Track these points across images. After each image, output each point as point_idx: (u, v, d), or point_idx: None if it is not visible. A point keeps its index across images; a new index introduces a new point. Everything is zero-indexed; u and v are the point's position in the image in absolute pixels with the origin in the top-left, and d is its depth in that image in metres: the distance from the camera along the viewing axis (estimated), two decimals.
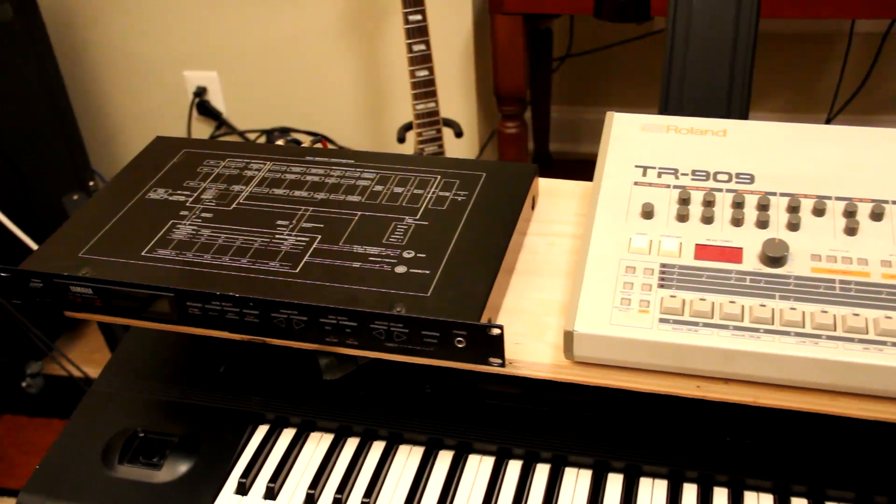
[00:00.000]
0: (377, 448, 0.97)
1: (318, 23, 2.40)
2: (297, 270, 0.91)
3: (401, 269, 0.90)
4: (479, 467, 0.95)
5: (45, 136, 2.38)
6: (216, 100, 2.57)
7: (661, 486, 0.91)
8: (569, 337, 0.81)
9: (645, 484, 0.91)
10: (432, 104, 1.98)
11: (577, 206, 1.06)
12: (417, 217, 0.97)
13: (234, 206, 1.01)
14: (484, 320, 0.84)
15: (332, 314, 0.86)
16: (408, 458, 0.96)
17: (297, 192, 1.02)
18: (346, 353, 0.90)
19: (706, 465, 0.90)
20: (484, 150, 2.53)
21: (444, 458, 0.95)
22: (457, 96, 2.41)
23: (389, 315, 0.84)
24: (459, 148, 2.47)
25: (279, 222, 0.98)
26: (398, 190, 1.02)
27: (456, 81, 2.39)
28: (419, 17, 1.90)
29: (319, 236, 0.95)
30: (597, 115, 2.88)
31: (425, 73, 1.95)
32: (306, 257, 0.92)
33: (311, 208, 1.00)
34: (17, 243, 2.07)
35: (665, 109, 1.07)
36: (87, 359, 2.37)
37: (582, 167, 1.96)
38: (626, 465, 0.92)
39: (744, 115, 1.05)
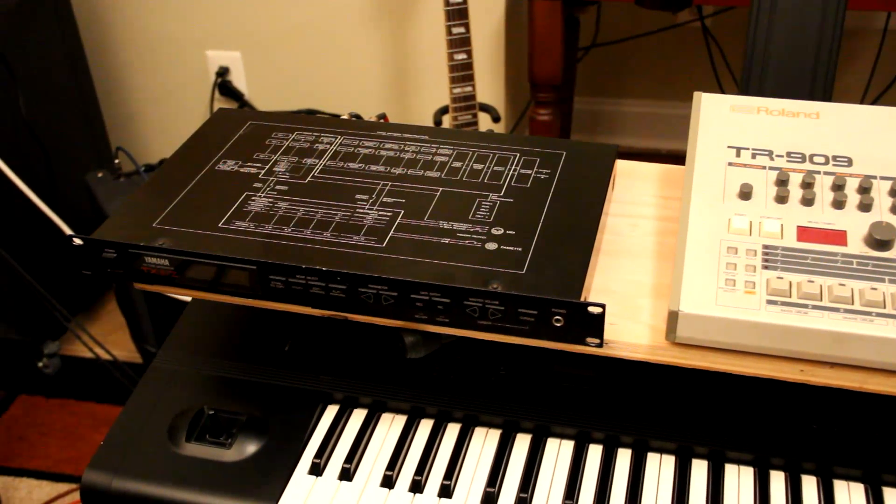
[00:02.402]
0: (452, 430, 0.95)
1: (344, 4, 2.37)
2: (383, 245, 0.88)
3: (491, 246, 0.88)
4: (559, 451, 0.93)
5: (68, 113, 2.34)
6: (238, 80, 2.54)
7: (748, 472, 0.89)
8: (673, 317, 0.79)
9: (731, 470, 0.89)
10: (469, 88, 1.96)
11: (656, 188, 1.04)
12: (501, 194, 0.95)
13: (309, 178, 0.99)
14: (582, 299, 0.82)
15: (425, 290, 0.83)
16: (485, 441, 0.94)
17: (373, 167, 1.00)
18: (432, 330, 0.87)
19: (793, 453, 0.89)
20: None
21: (523, 441, 0.93)
22: (487, 81, 2.38)
23: (486, 292, 0.82)
24: None
25: (358, 196, 0.95)
26: (478, 167, 0.99)
27: (486, 66, 2.37)
28: None
29: (403, 211, 0.93)
30: (616, 108, 2.87)
31: (464, 56, 1.93)
32: (392, 232, 0.90)
33: (389, 183, 0.97)
34: (44, 220, 2.04)
35: (746, 90, 1.05)
36: (105, 339, 2.33)
37: None
38: (710, 451, 0.90)
39: (827, 98, 1.04)
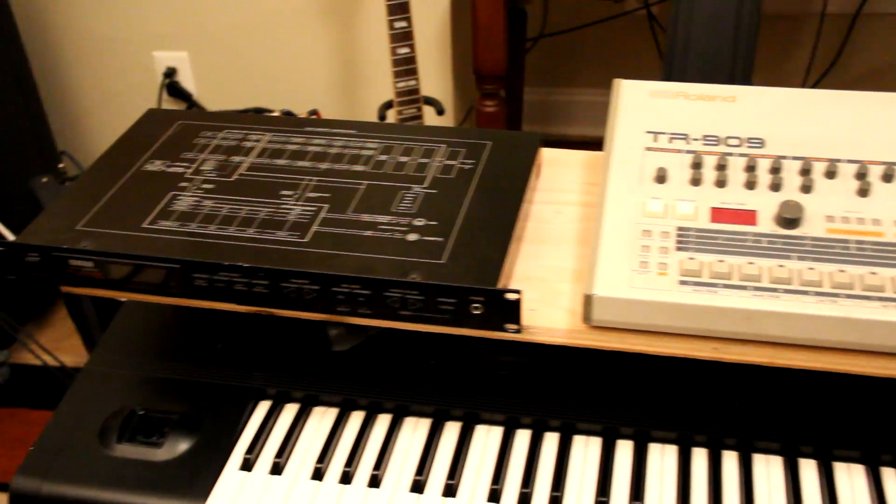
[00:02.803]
0: (383, 421, 0.96)
1: (291, 1, 2.37)
2: (306, 240, 0.89)
3: (413, 237, 0.88)
4: (487, 437, 0.94)
5: (10, 118, 2.32)
6: (186, 81, 2.53)
7: (672, 451, 0.90)
8: (588, 301, 0.81)
9: (655, 449, 0.91)
10: (413, 82, 1.96)
11: (580, 175, 1.05)
12: (425, 185, 0.96)
13: (235, 176, 0.99)
14: (499, 287, 0.83)
15: (346, 283, 0.84)
16: (415, 431, 0.95)
17: (299, 163, 1.01)
18: (357, 322, 0.88)
19: (715, 430, 0.90)
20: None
21: (452, 429, 0.94)
22: (434, 74, 2.39)
23: (405, 282, 0.83)
24: None
25: (283, 192, 0.96)
26: (403, 159, 1.00)
27: (433, 59, 2.37)
28: None
29: (327, 205, 0.94)
30: (567, 97, 2.88)
31: (406, 50, 1.93)
32: (315, 226, 0.91)
33: (315, 178, 0.98)
34: None
35: (669, 76, 1.07)
36: (56, 346, 2.32)
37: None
38: (636, 431, 0.92)
39: (747, 82, 1.05)
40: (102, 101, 2.65)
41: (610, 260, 0.82)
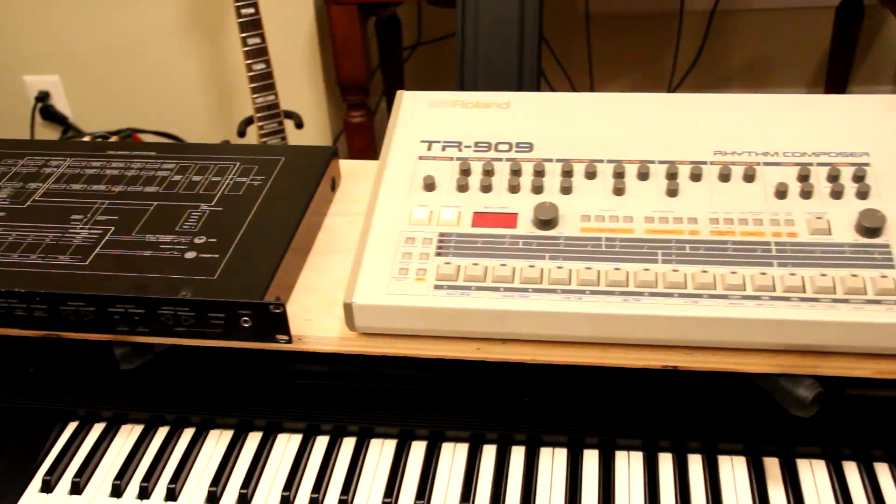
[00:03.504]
0: (187, 435, 0.98)
1: (159, 20, 2.37)
2: (86, 263, 0.91)
3: (190, 255, 0.91)
4: (287, 445, 0.96)
5: None
6: (61, 104, 2.52)
7: (462, 449, 0.94)
8: (348, 309, 0.84)
9: (447, 448, 0.94)
10: (272, 97, 1.99)
11: None
12: (213, 204, 0.98)
13: (28, 203, 1.00)
14: (272, 299, 0.86)
15: (120, 303, 0.86)
16: (217, 442, 0.97)
17: (94, 187, 1.02)
18: (140, 341, 0.90)
19: (504, 426, 0.94)
20: (337, 140, 2.54)
21: (253, 439, 0.97)
22: (304, 88, 2.41)
23: (175, 300, 0.85)
24: (311, 140, 2.48)
25: (74, 217, 0.97)
26: (196, 179, 1.02)
27: (301, 73, 2.39)
28: (251, 10, 1.90)
29: (113, 228, 0.95)
30: None
31: (262, 66, 1.95)
32: (98, 249, 0.92)
33: (107, 201, 1.00)
34: None
35: (462, 86, 1.10)
36: None
37: None
38: (431, 433, 0.95)
39: (535, 87, 1.09)
40: None
41: (372, 268, 0.85)
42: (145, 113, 2.51)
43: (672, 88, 2.64)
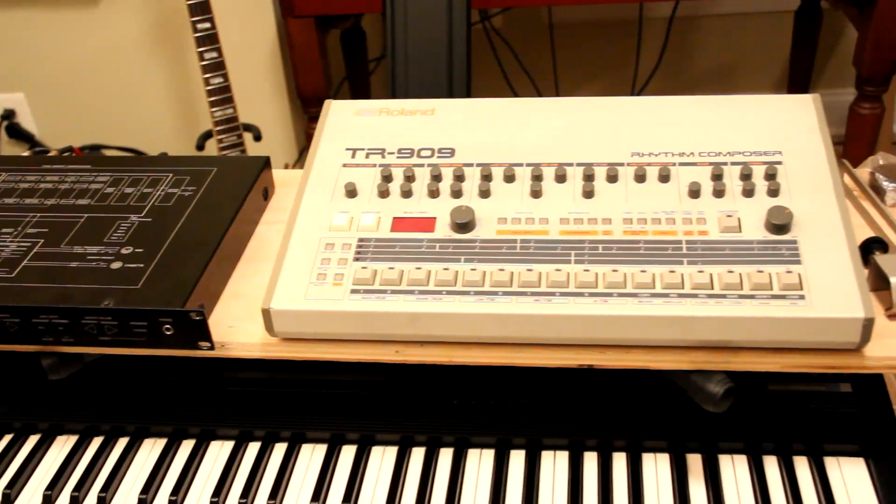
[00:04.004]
0: (121, 444, 0.99)
1: (122, 37, 2.39)
2: (13, 275, 0.92)
3: (116, 265, 0.92)
4: (219, 451, 0.97)
5: None
6: (27, 122, 2.53)
7: (392, 451, 0.95)
8: (267, 315, 0.85)
9: (376, 451, 0.95)
10: (230, 110, 2.00)
11: None
12: (142, 215, 0.99)
13: None
14: (195, 306, 0.87)
15: (44, 313, 0.87)
16: (150, 450, 0.98)
17: (27, 200, 1.03)
18: (66, 351, 0.91)
19: (434, 429, 0.95)
20: (303, 153, 2.55)
21: (186, 447, 0.98)
22: (268, 101, 2.43)
23: (98, 309, 0.86)
24: (275, 152, 2.49)
25: (4, 230, 0.99)
26: (129, 190, 1.03)
27: (265, 86, 2.41)
28: (208, 24, 1.92)
29: (42, 240, 0.96)
30: None
31: (220, 80, 1.97)
32: (25, 261, 0.93)
33: (38, 214, 1.01)
34: None
35: (394, 95, 1.12)
36: None
37: None
38: (361, 436, 0.96)
39: (466, 94, 1.11)
40: None
41: (291, 274, 0.87)
42: (111, 128, 2.53)
43: (635, 94, 2.67)
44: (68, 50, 2.42)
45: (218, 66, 1.95)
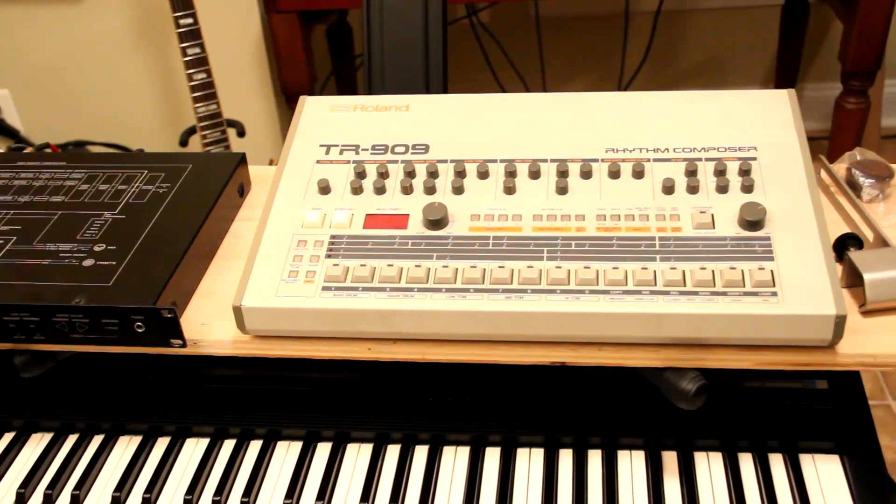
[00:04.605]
0: (96, 441, 0.98)
1: (107, 32, 2.38)
2: None
3: (88, 263, 0.91)
4: (194, 449, 0.97)
5: None
6: (11, 118, 2.52)
7: (367, 449, 0.95)
8: (238, 312, 0.84)
9: (351, 449, 0.95)
10: (214, 106, 2.00)
11: None
12: (116, 212, 0.99)
13: None
14: (167, 304, 0.87)
15: (15, 311, 0.87)
16: (126, 448, 0.98)
17: (0, 198, 1.03)
18: (39, 349, 0.91)
19: (409, 426, 0.95)
20: None
21: (161, 444, 0.97)
22: (253, 97, 2.42)
23: (69, 307, 0.86)
24: (261, 148, 2.49)
25: None
26: (103, 187, 1.03)
27: (250, 82, 2.40)
28: (190, 20, 1.91)
29: (15, 238, 0.96)
30: None
31: (203, 75, 1.96)
32: None
33: (12, 211, 1.00)
34: None
35: (370, 90, 1.12)
36: None
37: None
38: (337, 433, 0.96)
39: (442, 90, 1.10)
40: None
41: (263, 271, 0.86)
42: (96, 124, 2.52)
43: (622, 89, 2.66)
44: (53, 46, 2.41)
45: (201, 62, 1.95)
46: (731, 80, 2.82)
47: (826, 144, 2.34)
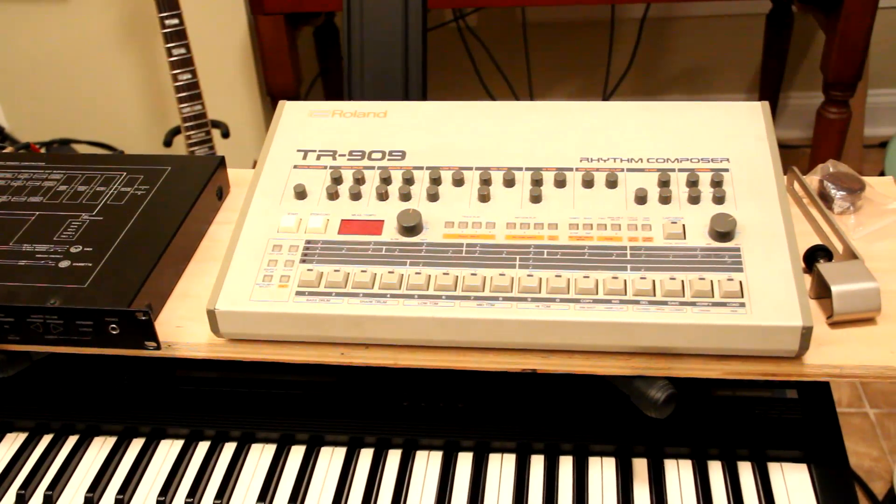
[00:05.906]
0: (71, 442, 0.99)
1: (93, 31, 2.38)
2: None
3: (64, 264, 0.92)
4: (168, 450, 0.97)
5: None
6: None
7: (340, 453, 0.95)
8: (212, 315, 0.85)
9: (325, 452, 0.96)
10: (198, 107, 2.00)
11: None
12: (94, 213, 0.99)
13: None
14: (142, 306, 0.87)
15: None
16: (100, 448, 0.98)
17: None
18: (13, 349, 0.91)
19: (383, 430, 0.95)
20: None
21: (136, 445, 0.98)
22: (239, 98, 2.42)
23: (44, 308, 0.86)
24: (247, 150, 2.49)
25: None
26: (81, 188, 1.03)
27: (237, 83, 2.41)
28: (176, 20, 1.92)
29: None
30: None
31: (188, 76, 1.97)
32: None
33: None
34: None
35: (349, 97, 1.12)
36: None
37: None
38: (310, 437, 0.97)
39: (422, 97, 1.11)
40: None
41: (238, 275, 0.87)
42: (82, 123, 2.52)
43: (606, 96, 2.68)
44: (38, 45, 2.41)
45: (186, 63, 1.95)
46: (716, 87, 2.84)
47: (809, 153, 2.35)
